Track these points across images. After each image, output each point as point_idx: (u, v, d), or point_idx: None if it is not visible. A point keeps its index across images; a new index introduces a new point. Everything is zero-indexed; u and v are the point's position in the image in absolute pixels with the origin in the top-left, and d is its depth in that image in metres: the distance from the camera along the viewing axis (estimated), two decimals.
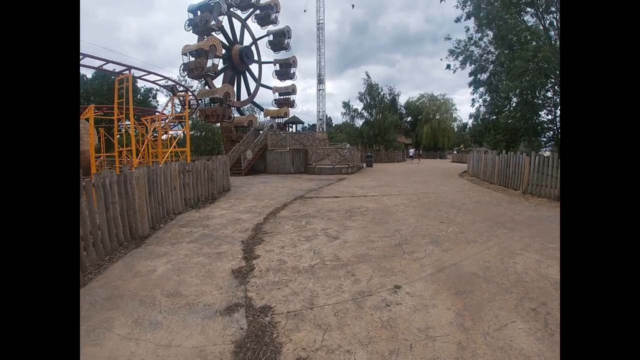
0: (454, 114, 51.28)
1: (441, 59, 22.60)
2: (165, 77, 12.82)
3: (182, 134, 22.28)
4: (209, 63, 19.97)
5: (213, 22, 20.08)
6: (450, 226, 6.16)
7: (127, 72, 10.81)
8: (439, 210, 7.62)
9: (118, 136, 18.48)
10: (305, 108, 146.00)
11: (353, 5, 51.16)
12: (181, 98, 14.69)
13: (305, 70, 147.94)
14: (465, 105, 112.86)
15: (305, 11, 54.20)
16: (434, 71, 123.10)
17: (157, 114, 17.36)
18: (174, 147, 14.85)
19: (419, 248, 4.97)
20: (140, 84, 36.12)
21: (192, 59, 20.26)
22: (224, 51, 24.18)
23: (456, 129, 52.56)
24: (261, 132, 22.47)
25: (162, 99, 51.85)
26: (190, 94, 16.18)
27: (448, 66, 21.77)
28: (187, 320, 3.09)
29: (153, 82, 12.89)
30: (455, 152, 44.62)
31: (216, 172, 10.97)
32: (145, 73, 11.70)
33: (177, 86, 14.52)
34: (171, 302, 3.46)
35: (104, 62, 10.30)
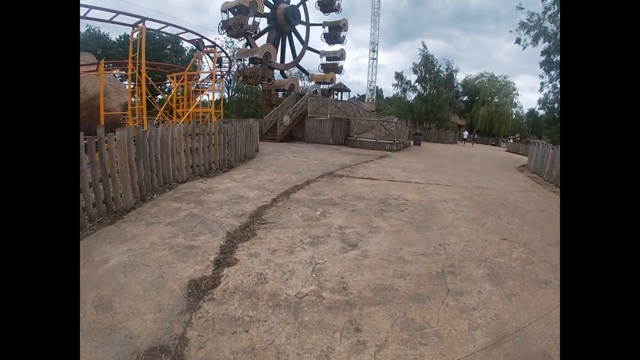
0: (514, 99, 45.89)
1: (510, 31, 19.74)
2: (187, 30, 11.39)
3: (219, 95, 21.14)
4: (250, 21, 18.34)
5: None
6: (514, 248, 4.31)
7: (142, 24, 9.52)
8: (499, 217, 5.69)
9: (160, 97, 17.82)
10: (356, 78, 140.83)
11: None
12: (211, 55, 13.20)
13: (358, 39, 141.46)
14: (526, 92, 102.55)
15: None
16: (494, 52, 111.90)
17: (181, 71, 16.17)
18: (197, 107, 13.63)
19: (471, 286, 3.26)
20: (185, 45, 35.46)
21: (232, 16, 18.72)
22: (267, 9, 22.38)
23: (514, 116, 46.89)
24: (302, 97, 20.77)
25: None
26: (220, 50, 14.69)
27: (518, 40, 18.91)
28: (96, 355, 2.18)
29: (176, 35, 11.58)
30: (510, 140, 39.95)
31: (235, 136, 9.62)
32: (164, 25, 10.36)
33: (203, 41, 13.04)
34: (95, 318, 2.56)
35: (114, 14, 9.09)
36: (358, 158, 12.56)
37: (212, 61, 13.04)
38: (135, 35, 10.20)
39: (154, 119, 14.08)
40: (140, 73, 9.73)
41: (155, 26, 10.44)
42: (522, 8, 17.16)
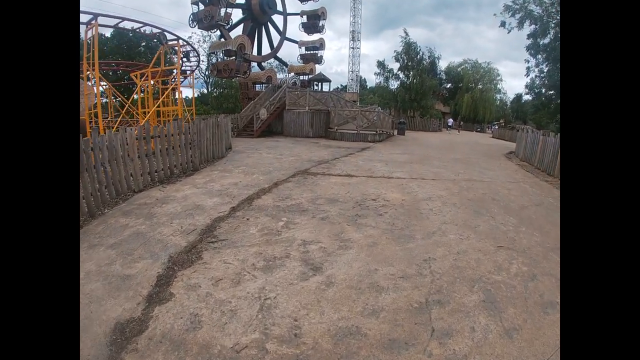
0: (498, 85, 45.68)
1: (495, 14, 19.26)
2: (145, 23, 10.30)
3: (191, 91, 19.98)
4: (221, 12, 17.21)
5: None
6: (513, 258, 3.60)
7: (94, 21, 8.48)
8: (492, 217, 4.99)
9: (136, 97, 16.61)
10: (339, 69, 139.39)
11: None
12: (175, 49, 12.09)
13: (341, 29, 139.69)
14: (509, 78, 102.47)
15: None
16: (477, 39, 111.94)
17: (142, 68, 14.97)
18: (160, 105, 12.57)
19: (463, 320, 2.53)
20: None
21: (203, 8, 17.55)
22: (243, 0, 21.23)
23: (499, 102, 46.73)
24: (280, 89, 19.81)
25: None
26: (185, 43, 13.59)
27: (502, 24, 18.36)
28: None
29: (135, 30, 10.50)
30: (496, 127, 39.67)
31: (199, 136, 8.72)
32: (119, 20, 9.31)
33: (164, 34, 11.94)
34: None
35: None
36: (337, 152, 11.78)
37: (177, 56, 11.93)
38: (90, 34, 9.15)
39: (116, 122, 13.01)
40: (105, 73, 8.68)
41: (110, 22, 9.42)
42: None
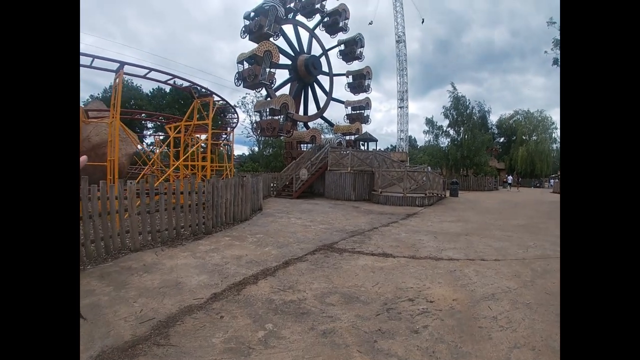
0: (553, 134, 42.10)
1: (545, 52, 17.79)
2: (174, 76, 10.14)
3: (228, 147, 19.97)
4: (264, 71, 17.50)
5: (268, 28, 17.64)
6: None
7: (121, 69, 8.41)
8: None
9: (167, 149, 16.93)
10: (389, 129, 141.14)
11: (423, 20, 51.09)
12: (211, 104, 11.84)
13: (389, 91, 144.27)
14: None
15: (371, 23, 47.59)
16: (524, 89, 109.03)
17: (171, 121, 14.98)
18: (189, 159, 12.09)
19: None
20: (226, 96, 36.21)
21: (247, 67, 18.08)
22: (288, 61, 21.81)
23: (555, 153, 42.69)
24: (322, 148, 19.11)
25: (240, 115, 51.36)
26: (218, 98, 13.46)
27: (556, 61, 16.58)
28: None
29: (164, 82, 10.45)
30: (556, 180, 35.50)
31: (214, 196, 7.75)
32: (147, 71, 9.23)
33: (196, 88, 11.78)
34: None
35: (92, 58, 8.06)
36: (378, 219, 10.19)
37: (210, 110, 11.65)
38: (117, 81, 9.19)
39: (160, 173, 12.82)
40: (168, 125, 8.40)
41: (140, 72, 9.37)
42: (555, 22, 14.90)
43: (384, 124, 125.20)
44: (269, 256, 5.64)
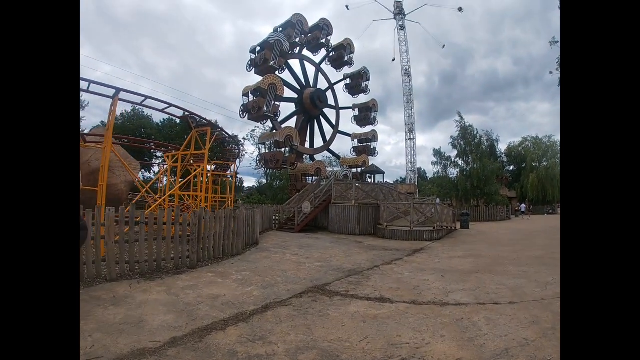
0: None
1: (550, 72, 17.48)
2: (170, 104, 9.88)
3: (229, 178, 19.61)
4: (268, 104, 17.48)
5: (273, 62, 17.81)
6: None
7: (117, 95, 8.24)
8: None
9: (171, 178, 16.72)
10: (398, 162, 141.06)
11: (444, 45, 52.42)
12: (208, 134, 11.51)
13: (397, 124, 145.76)
14: None
15: (394, 60, 49.01)
16: (530, 115, 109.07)
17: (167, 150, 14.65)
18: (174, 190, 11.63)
19: None
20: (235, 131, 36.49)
21: (252, 99, 18.15)
22: (294, 94, 21.91)
23: None
24: (325, 181, 18.62)
25: (249, 147, 51.55)
26: (219, 129, 13.23)
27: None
28: None
29: (161, 110, 10.23)
30: None
31: (200, 228, 7.22)
32: (143, 98, 9.04)
33: (194, 117, 11.54)
34: None
35: (89, 83, 7.90)
36: (381, 256, 9.42)
37: (208, 140, 11.33)
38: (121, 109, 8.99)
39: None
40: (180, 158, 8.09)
41: (136, 99, 9.17)
42: (557, 42, 14.57)
43: (393, 156, 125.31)
44: (249, 297, 4.98)
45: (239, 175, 51.91)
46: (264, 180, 45.98)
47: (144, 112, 39.77)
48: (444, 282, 6.21)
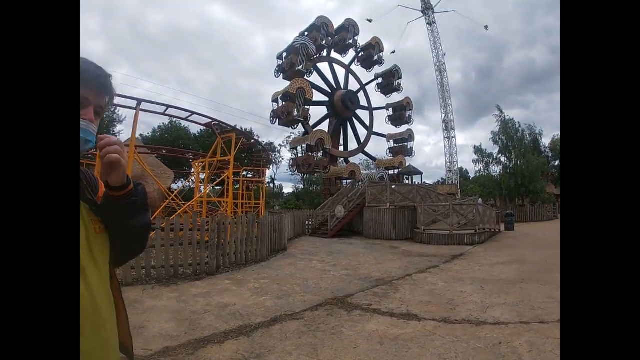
0: None
1: None
2: (192, 112, 9.89)
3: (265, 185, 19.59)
4: (298, 108, 17.31)
5: (300, 65, 17.62)
6: None
7: (139, 106, 8.37)
8: None
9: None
10: (439, 162, 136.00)
11: (487, 26, 49.33)
12: (233, 140, 11.48)
13: (436, 124, 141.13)
14: None
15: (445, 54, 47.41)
16: None
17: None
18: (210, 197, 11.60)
19: None
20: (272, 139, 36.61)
21: (282, 104, 18.09)
22: (325, 98, 21.58)
23: None
24: (360, 184, 18.04)
25: (286, 154, 51.51)
26: (243, 135, 13.14)
27: None
28: None
29: (184, 119, 10.30)
30: None
31: (220, 234, 7.02)
32: (165, 108, 9.13)
33: (218, 124, 11.49)
34: None
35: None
36: (415, 263, 8.73)
37: (233, 146, 11.26)
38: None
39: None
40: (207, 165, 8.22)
41: (158, 109, 9.28)
42: None
43: (433, 157, 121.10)
44: (260, 308, 4.63)
45: (277, 182, 52.35)
46: (301, 186, 46.11)
47: (180, 123, 41.32)
48: (483, 295, 5.48)
